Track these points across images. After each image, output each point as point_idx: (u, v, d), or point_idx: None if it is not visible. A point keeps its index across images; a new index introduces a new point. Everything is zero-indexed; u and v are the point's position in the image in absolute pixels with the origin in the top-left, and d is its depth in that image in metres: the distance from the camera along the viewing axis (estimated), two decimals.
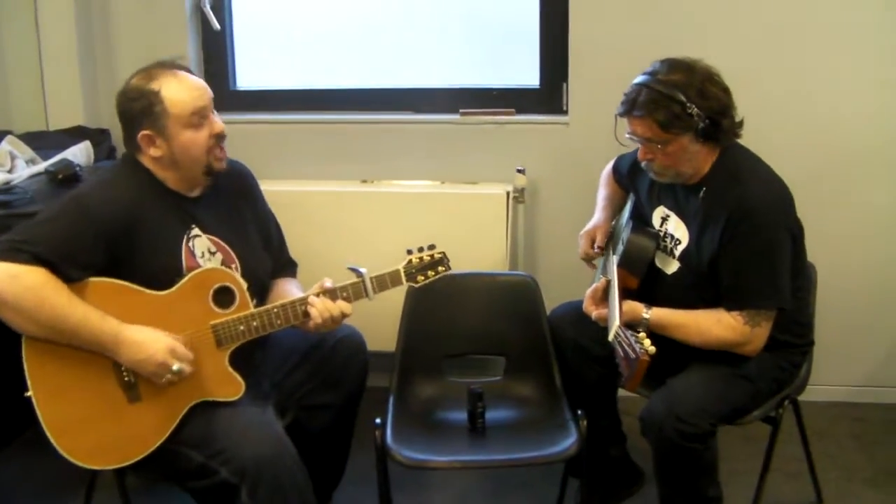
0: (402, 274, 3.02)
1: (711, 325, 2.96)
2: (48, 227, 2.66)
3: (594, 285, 3.12)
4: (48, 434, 2.63)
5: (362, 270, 2.96)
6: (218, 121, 2.91)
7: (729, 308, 2.94)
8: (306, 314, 2.89)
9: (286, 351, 3.17)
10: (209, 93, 2.90)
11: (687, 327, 2.98)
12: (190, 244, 2.87)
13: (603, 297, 3.08)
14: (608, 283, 3.07)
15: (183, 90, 2.81)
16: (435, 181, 4.33)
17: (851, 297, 4.19)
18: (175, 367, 2.67)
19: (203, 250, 2.90)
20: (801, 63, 4.01)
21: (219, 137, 2.90)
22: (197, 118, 2.83)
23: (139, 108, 2.79)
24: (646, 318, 2.97)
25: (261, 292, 3.03)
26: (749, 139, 3.07)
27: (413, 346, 3.47)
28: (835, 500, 3.59)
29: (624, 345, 2.71)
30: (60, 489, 3.67)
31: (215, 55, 4.54)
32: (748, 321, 2.92)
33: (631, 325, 2.93)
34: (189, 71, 2.91)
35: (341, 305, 2.91)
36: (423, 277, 3.05)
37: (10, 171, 3.84)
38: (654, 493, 3.11)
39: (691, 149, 2.93)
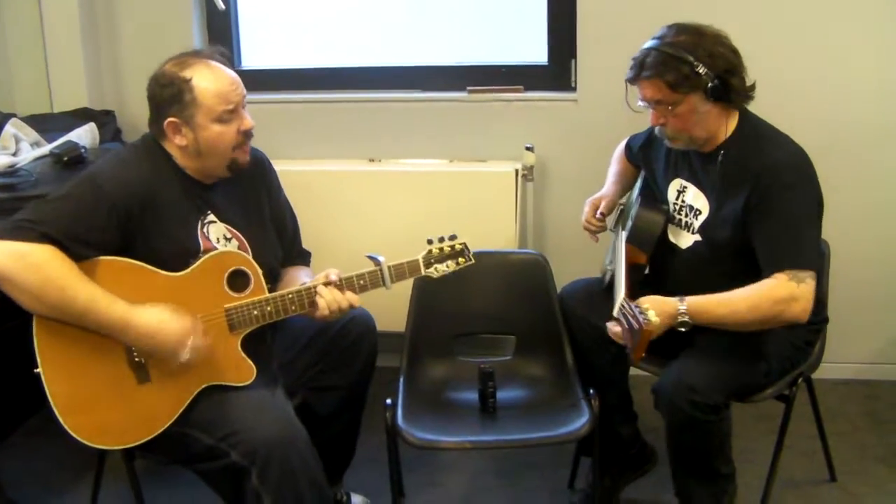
0: (422, 264, 2.98)
1: (754, 290, 2.84)
2: (58, 205, 2.64)
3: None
4: (55, 412, 2.61)
5: (380, 259, 2.92)
6: (248, 117, 2.88)
7: (770, 272, 2.85)
8: (313, 303, 2.87)
9: (295, 332, 3.16)
10: (242, 88, 2.87)
11: (728, 301, 2.84)
12: (205, 230, 2.86)
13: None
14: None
15: (216, 82, 2.79)
16: (443, 159, 4.31)
17: (864, 275, 4.17)
18: (183, 356, 2.65)
19: (218, 236, 2.89)
20: (814, 37, 3.99)
21: (247, 134, 2.88)
22: (227, 113, 2.80)
23: (168, 95, 2.77)
24: (682, 309, 2.83)
25: (271, 281, 3.00)
26: (761, 113, 3.06)
27: (423, 326, 3.45)
28: (848, 477, 3.59)
29: (628, 316, 2.69)
30: (69, 473, 3.69)
31: (220, 35, 4.51)
32: (792, 277, 2.81)
33: (672, 327, 2.86)
34: (227, 62, 2.89)
35: (349, 297, 2.88)
36: (442, 268, 3.01)
37: (14, 154, 3.83)
38: (666, 473, 3.10)
39: (702, 109, 2.92)
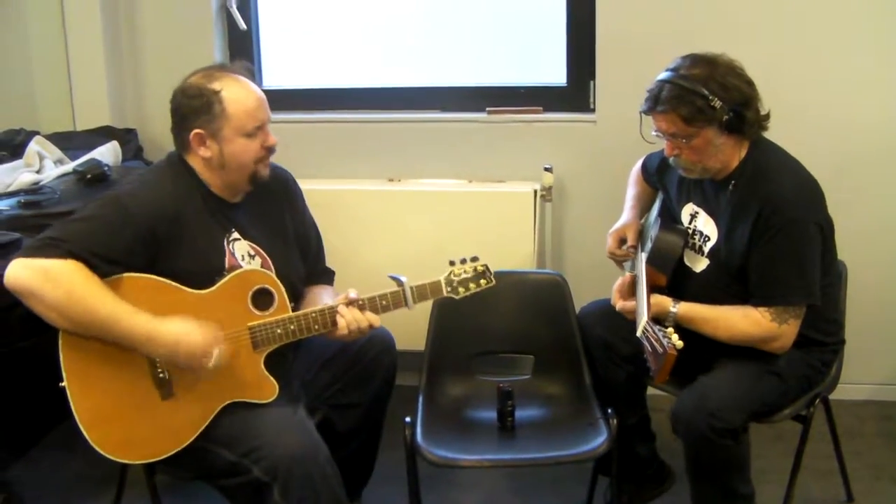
0: (444, 285, 3.00)
1: (738, 319, 2.96)
2: (85, 226, 2.66)
3: (621, 278, 3.13)
4: (80, 425, 2.63)
5: (403, 279, 2.94)
6: (272, 134, 2.91)
7: (756, 304, 2.94)
8: (335, 323, 2.89)
9: (316, 351, 3.17)
10: (268, 106, 2.90)
11: (714, 321, 2.98)
12: (230, 247, 2.88)
13: (629, 290, 3.09)
14: (634, 278, 3.07)
15: (246, 98, 2.82)
16: (462, 180, 4.32)
17: (880, 295, 4.17)
18: (208, 365, 2.65)
19: (243, 254, 2.91)
20: (828, 59, 4.00)
21: (270, 150, 2.91)
22: (255, 129, 2.83)
23: (196, 106, 2.79)
24: (673, 312, 2.98)
25: (294, 299, 3.02)
26: (775, 135, 3.07)
27: (442, 345, 3.47)
28: (865, 498, 3.58)
29: (651, 339, 2.72)
30: (90, 487, 3.70)
31: (241, 54, 4.53)
32: (775, 317, 2.91)
33: (658, 318, 2.93)
34: (252, 78, 2.91)
35: (370, 317, 2.89)
36: (464, 290, 3.02)
37: (38, 172, 3.86)
38: (684, 493, 3.11)
39: (717, 142, 2.93)
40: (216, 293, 2.78)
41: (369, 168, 4.41)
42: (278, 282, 2.86)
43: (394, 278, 2.95)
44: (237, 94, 2.80)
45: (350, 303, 2.89)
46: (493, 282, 3.07)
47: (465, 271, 3.03)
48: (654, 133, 3.02)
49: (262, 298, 2.83)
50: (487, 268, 3.06)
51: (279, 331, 2.82)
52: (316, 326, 2.87)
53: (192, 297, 2.75)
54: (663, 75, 2.95)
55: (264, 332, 2.81)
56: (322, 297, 3.09)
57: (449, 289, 3.01)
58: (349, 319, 2.86)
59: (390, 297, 2.93)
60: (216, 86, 2.79)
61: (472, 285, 3.03)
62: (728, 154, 2.99)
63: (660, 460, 3.53)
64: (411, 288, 2.95)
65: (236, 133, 2.80)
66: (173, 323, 2.66)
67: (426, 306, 3.32)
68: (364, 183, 4.36)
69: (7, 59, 4.59)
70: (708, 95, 2.85)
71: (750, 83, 2.94)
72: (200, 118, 2.79)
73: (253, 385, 2.80)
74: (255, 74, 2.97)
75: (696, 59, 2.94)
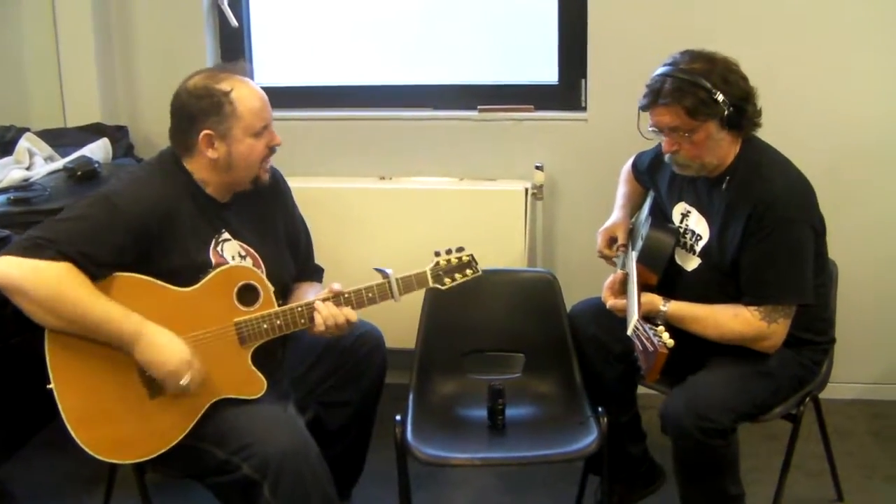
0: (429, 276, 3.00)
1: (728, 318, 2.95)
2: (74, 225, 2.64)
3: (612, 276, 3.13)
4: (68, 426, 2.62)
5: (388, 271, 2.94)
6: (276, 134, 2.92)
7: (747, 303, 2.94)
8: (312, 319, 2.89)
9: (305, 348, 3.16)
10: (270, 106, 2.91)
11: (704, 320, 2.97)
12: (219, 248, 2.87)
13: (620, 288, 3.08)
14: (625, 276, 3.07)
15: (253, 98, 2.83)
16: (453, 178, 4.32)
17: (871, 294, 4.18)
18: (184, 381, 2.64)
19: (233, 254, 2.90)
20: (821, 57, 4.00)
21: (272, 150, 2.92)
22: (261, 129, 2.84)
23: (205, 106, 2.78)
24: (663, 310, 2.97)
25: (284, 297, 3.02)
26: (768, 134, 3.07)
27: (433, 343, 3.47)
28: (855, 497, 3.58)
29: (642, 338, 2.72)
30: (80, 486, 3.70)
31: (233, 52, 4.53)
32: (765, 317, 2.91)
33: (649, 317, 2.93)
34: (251, 78, 2.92)
35: (346, 313, 2.89)
36: (450, 280, 3.03)
37: (28, 169, 3.85)
38: (674, 492, 3.10)
39: (717, 136, 2.92)
40: (201, 290, 2.77)
41: (360, 166, 4.41)
42: (263, 277, 2.86)
43: (379, 271, 2.95)
44: (245, 94, 2.81)
45: (335, 295, 2.89)
46: (479, 272, 3.09)
47: (450, 261, 3.04)
48: (650, 129, 3.00)
49: (248, 294, 2.83)
50: (473, 258, 3.07)
51: (265, 326, 2.82)
52: (302, 321, 2.87)
53: (177, 294, 2.74)
54: (663, 69, 2.94)
55: (250, 328, 2.81)
56: (307, 294, 3.08)
57: (435, 279, 3.01)
58: (325, 315, 2.86)
59: (376, 290, 2.93)
60: (225, 86, 2.79)
61: (458, 275, 3.04)
62: (725, 150, 2.98)
63: (650, 459, 3.53)
64: (397, 280, 2.95)
65: (245, 133, 2.81)
66: (163, 333, 2.66)
67: (415, 303, 3.32)
68: (355, 181, 4.35)
69: None
70: (710, 88, 2.84)
71: (745, 79, 2.94)
72: (210, 119, 2.78)
73: (241, 381, 2.80)
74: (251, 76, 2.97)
75: (694, 55, 2.93)
